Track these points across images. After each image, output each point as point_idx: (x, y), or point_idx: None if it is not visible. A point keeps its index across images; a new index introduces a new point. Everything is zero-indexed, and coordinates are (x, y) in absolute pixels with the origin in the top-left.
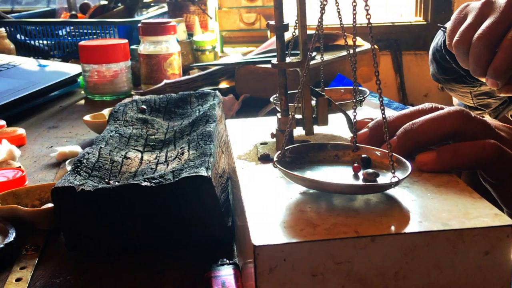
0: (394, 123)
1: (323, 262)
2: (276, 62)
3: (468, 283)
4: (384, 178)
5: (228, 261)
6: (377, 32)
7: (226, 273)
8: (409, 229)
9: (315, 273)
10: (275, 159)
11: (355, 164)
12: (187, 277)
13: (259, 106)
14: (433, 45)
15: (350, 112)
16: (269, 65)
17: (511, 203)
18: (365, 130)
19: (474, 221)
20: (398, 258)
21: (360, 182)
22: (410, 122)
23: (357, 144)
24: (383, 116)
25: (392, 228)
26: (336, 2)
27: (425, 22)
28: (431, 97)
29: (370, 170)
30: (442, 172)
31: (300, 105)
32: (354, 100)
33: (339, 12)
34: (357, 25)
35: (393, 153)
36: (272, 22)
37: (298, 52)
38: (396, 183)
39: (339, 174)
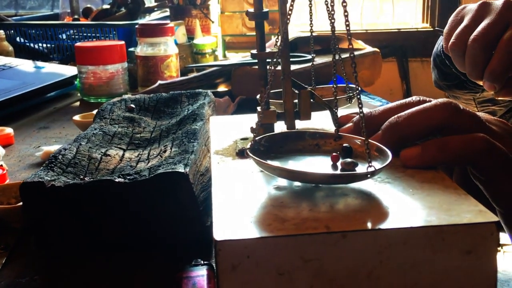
0: (380, 117)
1: (290, 259)
2: (255, 52)
3: (449, 285)
4: (363, 169)
5: (202, 262)
6: (383, 38)
7: (198, 273)
8: (384, 225)
9: (282, 272)
10: (247, 146)
11: (334, 154)
12: (158, 278)
13: (255, 108)
14: (434, 50)
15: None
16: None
17: (502, 201)
18: (350, 124)
19: (455, 217)
20: (372, 256)
21: (335, 171)
22: (395, 116)
23: (339, 133)
24: (360, 107)
25: (366, 223)
26: (344, 3)
27: (431, 29)
28: None
29: (348, 160)
30: (428, 168)
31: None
32: (335, 94)
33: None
34: (358, 31)
35: (376, 143)
36: (252, 10)
37: (299, 54)
38: (372, 173)
39: (316, 164)
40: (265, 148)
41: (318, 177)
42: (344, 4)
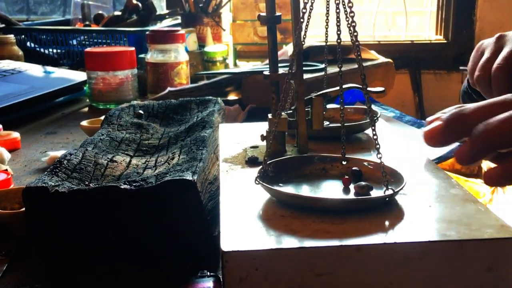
0: (472, 116)
1: (301, 273)
2: (268, 73)
3: None
4: (377, 192)
5: (208, 273)
6: (396, 50)
7: (205, 285)
8: (400, 238)
9: (292, 286)
10: (256, 174)
11: (345, 177)
12: None
13: (265, 117)
14: (461, 88)
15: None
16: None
17: None
18: (438, 123)
19: (476, 232)
20: (387, 271)
21: (351, 196)
22: (485, 122)
23: (346, 156)
24: (368, 104)
25: (381, 237)
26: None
27: (445, 41)
28: None
29: (362, 183)
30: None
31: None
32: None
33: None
34: (370, 42)
35: (389, 166)
36: (264, 14)
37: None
38: (391, 196)
39: (328, 189)
40: (274, 173)
41: (336, 204)
42: (352, 14)
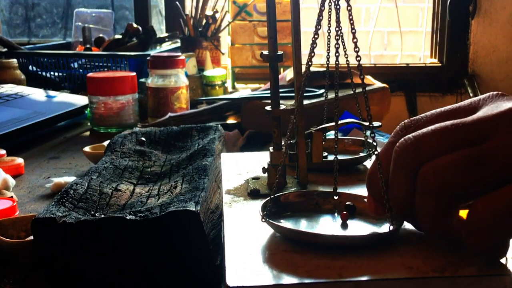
0: (425, 125)
1: None
2: (270, 109)
3: None
4: (372, 228)
5: None
6: (391, 73)
7: None
8: (397, 274)
9: None
10: (261, 212)
11: (344, 212)
12: None
13: (264, 142)
14: None
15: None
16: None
17: None
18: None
19: (470, 268)
20: None
21: (349, 231)
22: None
23: (337, 191)
24: (373, 138)
25: (380, 272)
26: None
27: (440, 64)
28: None
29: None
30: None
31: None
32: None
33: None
34: (367, 65)
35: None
36: (266, 52)
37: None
38: (396, 231)
39: (327, 223)
40: (275, 209)
41: (336, 240)
42: (355, 40)
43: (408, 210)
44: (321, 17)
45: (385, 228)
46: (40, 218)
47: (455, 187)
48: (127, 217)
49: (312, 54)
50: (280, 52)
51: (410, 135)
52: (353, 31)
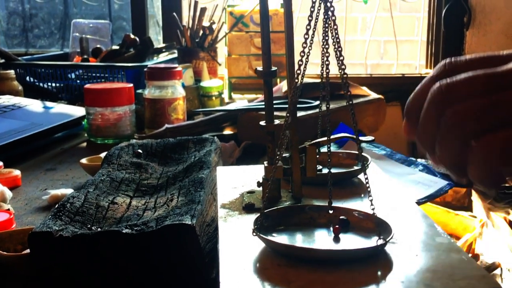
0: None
1: None
2: (264, 124)
3: None
4: (365, 241)
5: None
6: (387, 83)
7: None
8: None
9: None
10: (253, 226)
11: (336, 226)
12: None
13: (261, 153)
14: None
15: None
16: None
17: None
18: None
19: (459, 282)
20: None
21: (342, 245)
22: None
23: (333, 205)
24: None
25: (371, 286)
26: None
27: None
28: None
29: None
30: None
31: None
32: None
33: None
34: (363, 75)
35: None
36: (260, 68)
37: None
38: (383, 245)
39: (321, 237)
40: (268, 223)
41: (328, 254)
42: (340, 49)
43: (431, 143)
44: (312, 36)
45: (375, 242)
46: (37, 232)
47: (470, 128)
48: (123, 231)
49: (302, 72)
50: (274, 68)
51: (444, 82)
52: (337, 39)
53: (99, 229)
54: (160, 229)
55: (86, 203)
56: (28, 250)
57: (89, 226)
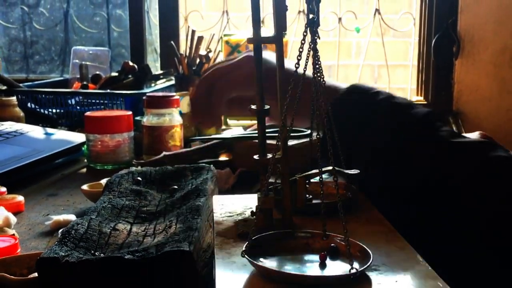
0: None
1: None
2: (257, 158)
3: None
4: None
5: None
6: None
7: None
8: None
9: None
10: (243, 248)
11: (322, 253)
12: None
13: (255, 181)
14: None
15: None
16: (268, 141)
17: None
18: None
19: None
20: None
21: (327, 271)
22: None
23: (327, 233)
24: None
25: None
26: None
27: (425, 102)
28: None
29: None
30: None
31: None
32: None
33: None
34: None
35: (359, 244)
36: (254, 106)
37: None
38: (355, 274)
39: (308, 263)
40: (261, 247)
41: (309, 280)
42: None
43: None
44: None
45: (356, 268)
46: (44, 258)
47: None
48: (126, 257)
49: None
50: (266, 107)
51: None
52: (319, 66)
53: (102, 255)
54: (160, 255)
55: (90, 229)
56: (34, 274)
57: (92, 251)
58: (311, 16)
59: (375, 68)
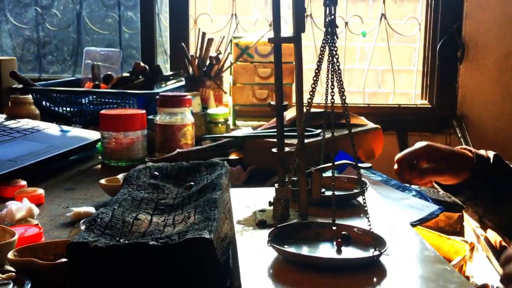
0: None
1: None
2: (276, 151)
3: None
4: (364, 253)
5: None
6: (386, 113)
7: None
8: None
9: None
10: (268, 238)
11: (339, 240)
12: None
13: (265, 178)
14: None
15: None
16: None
17: None
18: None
19: (442, 287)
20: None
21: (343, 255)
22: None
23: (336, 222)
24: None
25: None
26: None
27: (430, 106)
28: None
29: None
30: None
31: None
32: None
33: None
34: (360, 104)
35: (373, 232)
36: (273, 102)
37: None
38: (378, 256)
39: (325, 249)
40: (280, 236)
41: (332, 262)
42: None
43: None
44: (318, 77)
45: (372, 253)
46: (75, 243)
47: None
48: (150, 243)
49: (309, 108)
50: (285, 103)
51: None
52: (339, 71)
53: (126, 242)
54: (183, 242)
55: (114, 218)
56: (61, 260)
57: (117, 238)
58: (328, 18)
59: (379, 72)
